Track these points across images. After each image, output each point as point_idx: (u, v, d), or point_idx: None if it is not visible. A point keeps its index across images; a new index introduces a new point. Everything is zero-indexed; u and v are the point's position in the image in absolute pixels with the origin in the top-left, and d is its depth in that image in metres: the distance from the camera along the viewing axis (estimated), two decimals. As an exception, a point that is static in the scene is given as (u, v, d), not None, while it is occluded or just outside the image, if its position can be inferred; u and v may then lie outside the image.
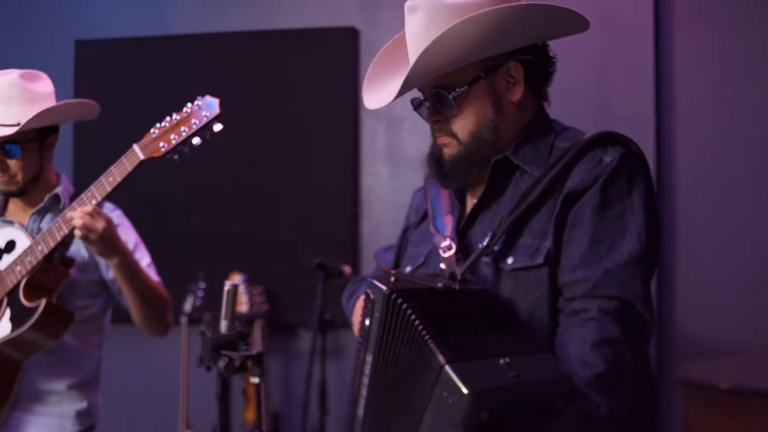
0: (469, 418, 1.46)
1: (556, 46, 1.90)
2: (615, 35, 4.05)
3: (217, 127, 2.45)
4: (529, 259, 1.74)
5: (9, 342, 2.56)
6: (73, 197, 2.74)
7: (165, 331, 2.83)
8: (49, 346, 2.64)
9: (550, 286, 1.73)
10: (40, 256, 2.57)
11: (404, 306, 1.59)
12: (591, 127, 4.30)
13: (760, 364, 3.25)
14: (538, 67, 1.85)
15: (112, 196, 2.56)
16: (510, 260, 1.76)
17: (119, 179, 2.50)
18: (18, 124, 2.61)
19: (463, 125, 1.82)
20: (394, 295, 1.61)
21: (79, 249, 2.70)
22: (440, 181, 1.89)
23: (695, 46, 4.05)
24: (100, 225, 2.50)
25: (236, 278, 4.08)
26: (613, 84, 4.07)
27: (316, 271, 4.08)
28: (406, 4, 1.83)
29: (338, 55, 4.35)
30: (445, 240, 1.83)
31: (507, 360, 1.53)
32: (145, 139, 2.48)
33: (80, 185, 2.78)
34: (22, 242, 2.65)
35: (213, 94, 2.47)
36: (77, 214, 2.49)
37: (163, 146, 2.45)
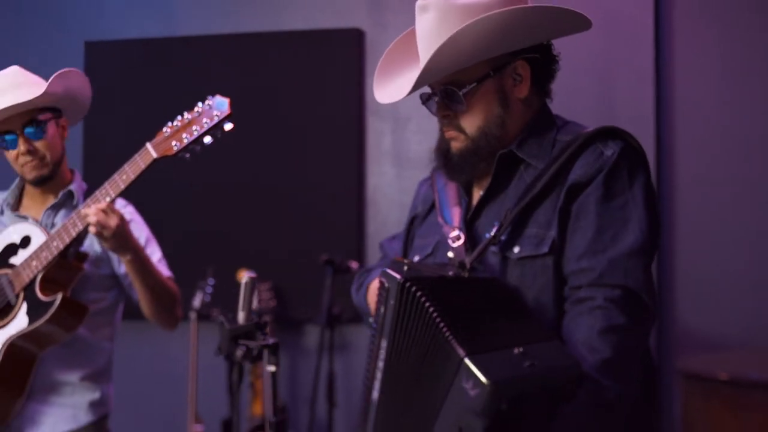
0: (488, 407, 1.52)
1: (559, 47, 1.96)
2: (617, 36, 4.07)
3: (228, 126, 2.49)
4: (535, 249, 1.80)
5: (26, 335, 2.61)
6: (87, 193, 2.79)
7: (175, 325, 2.87)
8: (64, 339, 2.68)
9: (555, 274, 1.80)
10: (55, 252, 2.60)
11: (418, 293, 1.65)
12: (593, 126, 4.31)
13: (758, 356, 3.31)
14: (543, 65, 1.92)
15: (125, 193, 2.59)
16: (516, 249, 1.82)
17: (133, 177, 2.53)
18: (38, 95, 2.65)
19: (471, 120, 1.88)
20: (408, 284, 1.66)
21: (92, 244, 2.74)
22: (448, 174, 1.95)
23: (696, 47, 4.07)
24: (113, 222, 2.53)
25: (245, 275, 4.09)
26: (614, 84, 4.08)
27: (323, 267, 4.10)
28: (418, 3, 1.88)
29: (344, 57, 4.38)
30: (453, 230, 1.90)
31: (521, 350, 1.58)
32: (158, 138, 2.53)
33: (91, 184, 2.83)
34: (38, 238, 2.68)
35: (221, 94, 2.50)
36: (92, 211, 2.53)
37: (176, 145, 2.49)
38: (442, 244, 1.93)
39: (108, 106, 4.12)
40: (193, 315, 4.18)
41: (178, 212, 4.42)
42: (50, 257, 2.61)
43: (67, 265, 2.67)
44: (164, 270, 2.84)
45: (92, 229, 2.54)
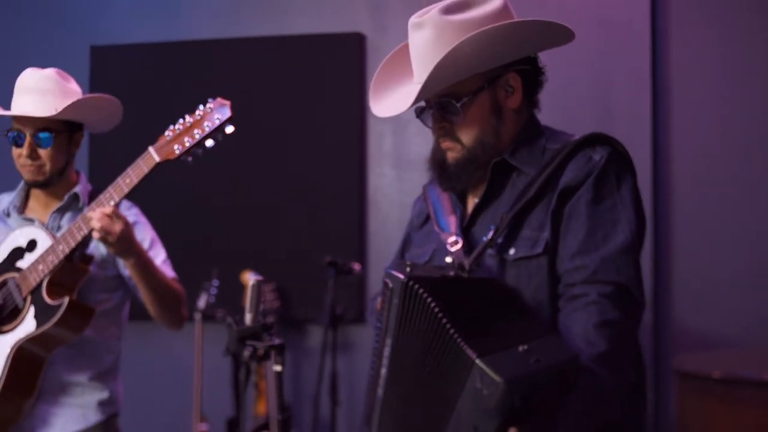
0: (503, 405, 1.58)
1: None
2: (613, 37, 4.10)
3: (229, 129, 2.49)
4: (530, 249, 1.88)
5: (34, 339, 2.62)
6: (92, 195, 2.80)
7: (180, 325, 2.87)
8: (72, 340, 2.70)
9: (549, 274, 1.87)
10: (61, 256, 2.61)
11: (421, 292, 1.71)
12: (591, 127, 4.40)
13: (751, 355, 3.37)
14: (532, 76, 1.99)
15: (129, 195, 2.60)
16: (512, 251, 1.89)
17: (136, 181, 2.55)
18: (55, 111, 2.67)
19: (468, 131, 1.94)
20: (411, 282, 1.72)
21: (97, 246, 2.74)
22: (445, 183, 2.01)
23: (692, 47, 4.09)
24: (117, 227, 2.54)
25: (249, 276, 4.12)
26: (611, 86, 4.11)
27: (326, 268, 4.12)
28: (411, 20, 1.94)
29: (346, 60, 4.41)
30: (451, 236, 1.96)
31: (525, 347, 1.64)
32: (160, 142, 2.54)
33: (96, 186, 2.85)
34: (44, 241, 2.69)
35: (225, 98, 2.51)
36: (96, 216, 2.54)
37: (177, 149, 2.50)
38: (439, 252, 2.00)
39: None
40: (198, 316, 4.21)
41: (182, 214, 4.45)
42: (56, 261, 2.62)
43: (73, 268, 2.68)
44: (168, 271, 2.85)
45: (96, 234, 2.54)
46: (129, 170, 2.56)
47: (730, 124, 4.05)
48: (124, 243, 2.57)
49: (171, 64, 4.62)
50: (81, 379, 2.79)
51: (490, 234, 1.89)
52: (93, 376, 2.81)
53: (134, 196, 2.66)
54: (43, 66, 2.82)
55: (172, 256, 2.94)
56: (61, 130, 2.74)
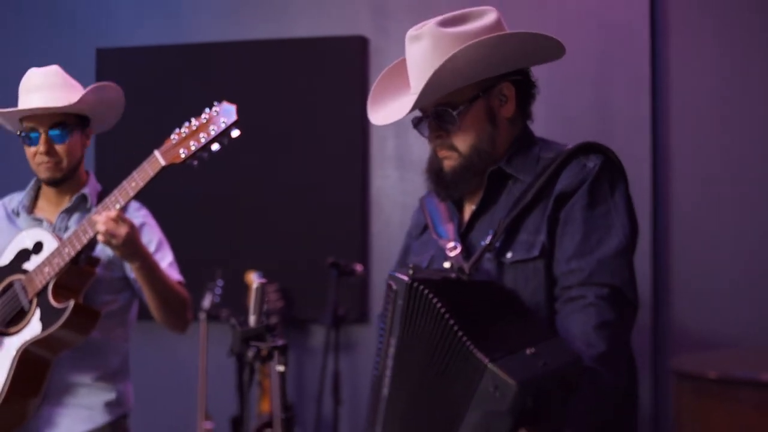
0: (515, 407, 1.63)
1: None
2: (613, 40, 4.12)
3: (235, 132, 2.47)
4: (526, 253, 1.93)
5: (40, 341, 2.62)
6: (101, 195, 2.79)
7: (184, 329, 2.85)
8: (78, 342, 2.68)
9: (546, 276, 1.93)
10: (67, 259, 2.61)
11: (426, 292, 1.76)
12: (590, 128, 4.41)
13: (748, 355, 3.39)
14: (525, 87, 2.05)
15: (135, 197, 2.59)
16: (509, 254, 1.94)
17: (141, 184, 2.53)
18: (70, 103, 2.67)
19: (464, 139, 2.00)
20: (415, 284, 1.78)
21: (104, 247, 2.70)
22: (442, 191, 2.06)
23: (691, 49, 4.11)
24: (122, 231, 2.53)
25: (252, 276, 4.13)
26: (611, 87, 4.12)
27: (329, 269, 4.15)
28: (409, 33, 2.00)
29: (348, 63, 4.44)
30: (450, 242, 2.02)
31: (532, 350, 1.69)
32: (166, 145, 2.52)
33: (104, 187, 2.85)
34: (50, 244, 2.69)
35: (230, 100, 2.50)
36: (101, 219, 2.52)
37: (183, 152, 2.48)
38: (437, 258, 2.05)
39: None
40: (202, 316, 4.24)
41: (187, 216, 4.47)
42: (62, 264, 2.61)
43: (78, 270, 2.67)
44: (175, 274, 2.83)
45: (101, 238, 2.54)
46: (134, 174, 2.55)
47: (730, 124, 4.07)
48: (129, 246, 2.56)
49: (176, 67, 4.64)
50: (86, 380, 2.78)
51: (488, 239, 1.94)
52: (99, 377, 2.79)
53: (139, 197, 2.66)
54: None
55: (177, 256, 2.94)
56: (74, 123, 2.73)
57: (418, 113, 2.05)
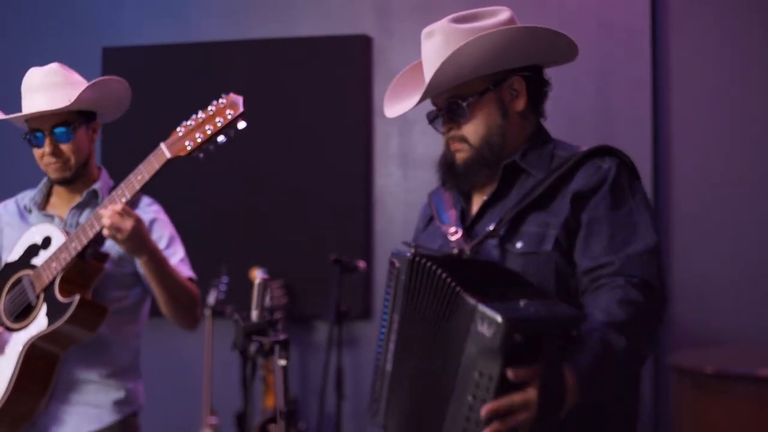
0: (505, 342, 1.63)
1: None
2: (613, 42, 4.14)
3: (241, 124, 2.44)
4: (537, 246, 1.95)
5: (46, 336, 2.59)
6: (113, 190, 2.71)
7: (194, 326, 2.80)
8: (87, 338, 2.65)
9: (556, 270, 1.94)
10: (73, 253, 2.58)
11: (429, 264, 1.80)
12: (591, 129, 4.42)
13: (745, 351, 3.43)
14: (537, 84, 2.07)
15: (145, 192, 2.59)
16: (519, 245, 1.96)
17: (147, 177, 2.50)
18: (69, 102, 2.63)
19: (475, 130, 2.03)
20: (417, 258, 1.82)
21: (114, 243, 2.64)
22: (453, 183, 2.09)
23: (691, 50, 4.13)
24: (128, 224, 2.49)
25: (257, 273, 4.14)
26: (612, 88, 4.15)
27: (332, 266, 4.17)
28: (424, 31, 2.04)
29: (352, 62, 4.46)
30: (451, 227, 2.05)
31: (525, 301, 1.70)
32: (172, 138, 2.49)
33: (117, 184, 2.75)
34: (58, 239, 2.66)
35: None
36: (106, 213, 2.49)
37: (189, 144, 2.45)
38: (444, 247, 2.05)
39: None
40: (207, 312, 4.26)
41: (193, 213, 4.47)
42: (69, 258, 2.59)
43: (86, 266, 2.64)
44: (185, 270, 2.78)
45: (106, 232, 2.50)
46: (141, 167, 2.52)
47: (731, 123, 4.08)
48: (134, 241, 2.53)
49: (181, 66, 4.67)
50: (95, 378, 2.74)
51: (493, 225, 1.96)
52: (108, 375, 2.76)
53: (146, 193, 2.67)
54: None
55: (182, 253, 2.93)
56: (77, 121, 2.71)
57: (432, 108, 2.08)
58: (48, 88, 2.68)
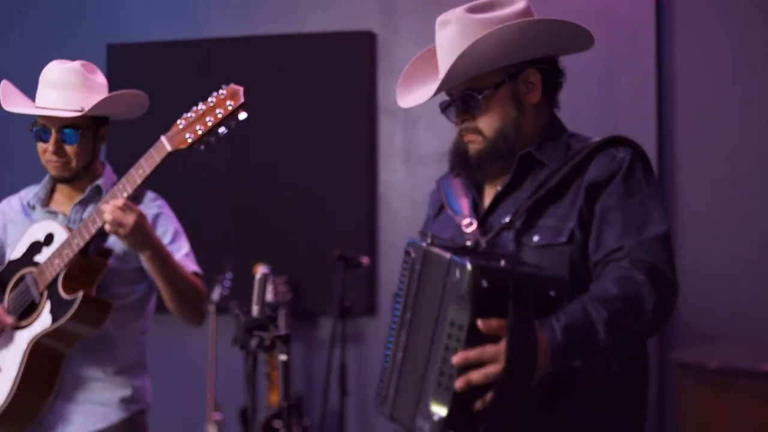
0: (471, 286, 1.65)
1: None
2: (618, 38, 4.13)
3: (242, 115, 2.41)
4: (554, 238, 1.94)
5: (50, 334, 2.57)
6: None
7: (200, 322, 2.76)
8: (91, 335, 2.63)
9: (571, 262, 1.93)
10: (76, 249, 2.55)
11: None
12: (596, 126, 4.43)
13: (746, 347, 3.44)
14: (552, 75, 2.07)
15: (148, 187, 2.57)
16: (536, 238, 1.95)
17: (149, 171, 2.47)
18: (81, 110, 2.62)
19: (489, 122, 2.02)
20: (433, 248, 1.82)
21: (118, 238, 2.59)
22: (466, 173, 2.08)
23: (697, 47, 4.12)
24: (130, 219, 2.46)
25: (261, 269, 4.17)
26: (617, 85, 4.15)
27: (336, 262, 4.19)
28: (438, 19, 2.02)
29: (357, 58, 4.47)
30: (465, 218, 2.04)
31: (506, 261, 1.72)
32: (173, 131, 2.45)
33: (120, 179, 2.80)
34: (60, 235, 2.64)
35: None
36: (108, 208, 2.46)
37: (190, 137, 2.42)
38: (457, 238, 2.04)
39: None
40: (211, 308, 4.28)
41: (196, 209, 4.44)
42: (71, 254, 2.56)
43: (89, 262, 2.61)
44: (191, 265, 2.75)
45: (107, 227, 2.47)
46: (142, 161, 2.49)
47: (735, 121, 4.08)
48: (137, 235, 2.49)
49: (185, 62, 4.68)
50: (101, 375, 2.72)
51: (508, 218, 1.95)
52: (114, 372, 2.73)
53: (151, 189, 2.65)
54: (62, 63, 2.77)
55: (188, 249, 2.92)
56: (87, 125, 2.69)
57: (445, 97, 2.07)
58: (63, 87, 2.65)
